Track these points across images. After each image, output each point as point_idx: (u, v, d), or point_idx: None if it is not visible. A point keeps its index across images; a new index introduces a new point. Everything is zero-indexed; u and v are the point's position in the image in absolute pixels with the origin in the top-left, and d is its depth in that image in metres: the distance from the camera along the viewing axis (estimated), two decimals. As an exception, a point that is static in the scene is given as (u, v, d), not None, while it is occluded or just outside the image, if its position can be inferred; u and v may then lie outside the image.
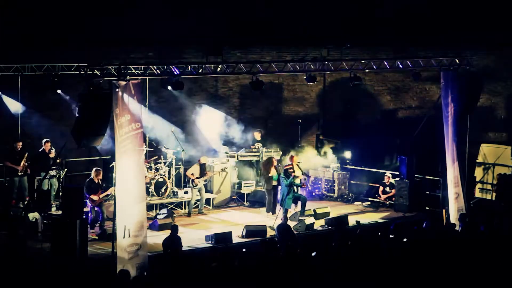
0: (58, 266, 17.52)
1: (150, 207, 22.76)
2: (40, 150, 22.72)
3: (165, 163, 23.93)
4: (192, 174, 23.52)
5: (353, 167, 26.91)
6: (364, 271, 16.54)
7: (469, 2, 30.34)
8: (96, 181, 21.25)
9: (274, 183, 23.54)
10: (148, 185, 22.81)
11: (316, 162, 26.75)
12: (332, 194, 26.27)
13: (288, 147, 27.17)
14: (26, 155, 22.45)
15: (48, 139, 22.73)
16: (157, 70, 20.01)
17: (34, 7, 23.66)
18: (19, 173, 22.39)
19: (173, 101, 26.19)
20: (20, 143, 22.51)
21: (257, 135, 26.37)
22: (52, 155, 22.56)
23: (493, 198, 26.01)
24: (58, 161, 22.47)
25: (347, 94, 28.85)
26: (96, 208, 21.16)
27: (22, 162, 22.39)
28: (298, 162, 23.85)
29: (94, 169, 21.59)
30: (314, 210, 23.32)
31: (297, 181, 23.07)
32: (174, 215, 22.72)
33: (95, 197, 21.05)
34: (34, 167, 22.62)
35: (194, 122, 26.19)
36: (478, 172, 27.03)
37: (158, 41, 25.44)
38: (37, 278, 17.05)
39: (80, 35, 24.00)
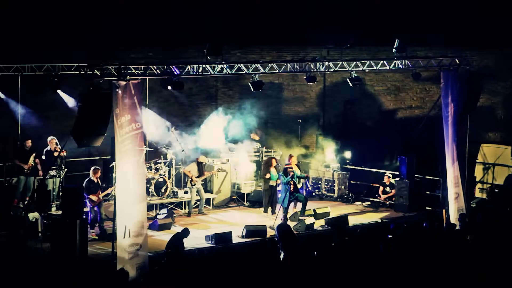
0: (58, 266, 17.52)
1: (150, 207, 22.76)
2: (45, 149, 22.72)
3: (165, 163, 23.94)
4: (189, 172, 23.52)
5: (353, 167, 26.91)
6: (363, 271, 16.55)
7: (469, 2, 30.35)
8: (95, 181, 21.23)
9: (273, 183, 23.55)
10: (148, 185, 22.80)
11: (316, 162, 26.77)
12: (332, 194, 26.27)
13: (288, 147, 27.17)
14: (33, 155, 22.48)
15: (53, 137, 22.73)
16: (157, 70, 20.00)
17: (34, 7, 23.66)
18: (26, 171, 22.41)
19: (173, 101, 26.20)
20: (30, 141, 22.56)
21: (255, 136, 26.38)
22: (56, 153, 22.55)
23: (489, 197, 26.03)
24: (62, 153, 22.42)
25: (347, 94, 28.85)
26: (95, 208, 21.16)
27: (30, 161, 22.42)
28: (298, 162, 23.83)
29: (92, 168, 21.56)
30: (314, 210, 23.33)
31: (298, 172, 23.08)
32: (174, 215, 22.72)
33: (94, 198, 21.03)
34: (42, 167, 22.65)
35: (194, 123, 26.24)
36: (478, 172, 27.04)
37: (158, 41, 25.43)
38: (37, 278, 17.05)
39: (80, 35, 24.01)
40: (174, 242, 18.77)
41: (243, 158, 25.54)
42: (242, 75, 22.63)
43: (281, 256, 17.78)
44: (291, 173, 22.81)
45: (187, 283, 16.47)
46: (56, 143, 22.68)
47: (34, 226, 20.62)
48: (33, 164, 22.52)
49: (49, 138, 22.76)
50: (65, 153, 22.60)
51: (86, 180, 21.26)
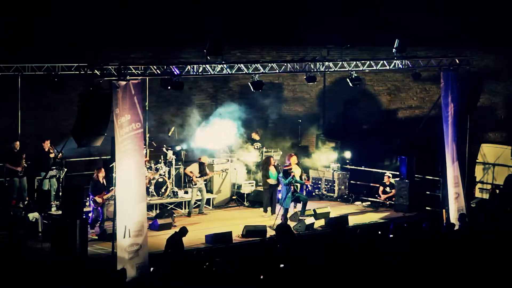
0: (58, 266, 17.52)
1: (150, 207, 22.76)
2: (39, 150, 22.69)
3: (165, 163, 23.93)
4: (191, 172, 23.53)
5: (353, 167, 26.91)
6: (363, 271, 16.56)
7: (468, 2, 30.37)
8: (101, 181, 21.19)
9: (273, 181, 23.54)
10: (148, 185, 22.80)
11: (316, 162, 26.77)
12: (332, 194, 26.26)
13: (288, 147, 27.16)
14: (24, 155, 22.42)
15: (47, 139, 22.71)
16: (157, 70, 20.00)
17: (34, 7, 23.66)
18: (19, 174, 22.36)
19: (173, 101, 26.20)
20: (18, 143, 22.44)
21: (255, 136, 26.37)
22: (52, 155, 22.54)
23: (491, 198, 26.02)
24: (59, 156, 22.40)
25: (347, 94, 28.84)
26: (98, 208, 21.14)
27: (22, 163, 22.36)
28: (298, 162, 23.83)
29: (96, 168, 21.55)
30: (314, 210, 23.33)
31: (297, 176, 23.06)
32: (174, 215, 22.72)
33: (99, 199, 21.01)
34: (34, 167, 22.59)
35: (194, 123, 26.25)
36: (478, 172, 27.04)
37: (158, 41, 25.44)
38: (37, 278, 17.05)
39: (80, 35, 24.01)
40: (173, 242, 18.77)
41: (243, 157, 25.59)
42: (242, 75, 22.63)
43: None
44: (292, 174, 22.83)
45: (187, 283, 16.49)
46: (51, 145, 22.63)
47: (34, 226, 20.62)
48: (25, 165, 22.45)
49: (44, 141, 22.73)
50: (61, 155, 22.54)
51: (92, 180, 21.26)
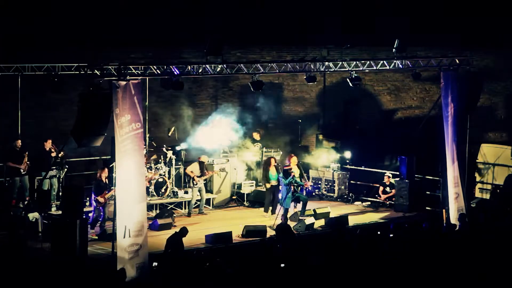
0: (58, 266, 17.52)
1: (150, 207, 22.76)
2: (40, 150, 22.69)
3: (165, 163, 23.93)
4: (191, 172, 23.53)
5: (353, 167, 26.90)
6: (363, 271, 16.56)
7: (468, 3, 30.37)
8: (104, 181, 21.20)
9: (274, 182, 23.54)
10: (148, 185, 22.79)
11: (316, 162, 26.77)
12: (332, 194, 26.26)
13: (288, 147, 27.15)
14: (26, 154, 22.43)
15: (48, 138, 22.71)
16: (157, 70, 20.00)
17: (34, 7, 23.67)
18: (22, 172, 22.37)
19: (173, 101, 26.20)
20: (19, 141, 22.45)
21: (256, 136, 26.38)
22: (54, 154, 22.54)
23: (492, 197, 26.02)
24: (61, 154, 22.39)
25: (347, 94, 28.85)
26: (100, 208, 21.13)
27: (24, 161, 22.37)
28: (298, 162, 23.83)
29: (99, 168, 21.56)
30: (314, 210, 23.33)
31: (298, 172, 23.07)
32: (174, 215, 22.72)
33: (101, 199, 21.00)
34: (35, 166, 22.59)
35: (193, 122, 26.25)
36: (478, 172, 27.04)
37: (158, 41, 25.45)
38: (37, 278, 17.06)
39: (80, 35, 24.02)
40: (173, 242, 18.78)
41: (243, 157, 25.60)
42: (242, 75, 22.62)
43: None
44: (292, 174, 22.82)
45: (187, 283, 16.49)
46: (52, 144, 22.64)
47: (34, 226, 20.61)
48: (28, 163, 22.45)
49: (45, 140, 22.74)
50: (62, 154, 22.53)
51: (95, 180, 21.26)
